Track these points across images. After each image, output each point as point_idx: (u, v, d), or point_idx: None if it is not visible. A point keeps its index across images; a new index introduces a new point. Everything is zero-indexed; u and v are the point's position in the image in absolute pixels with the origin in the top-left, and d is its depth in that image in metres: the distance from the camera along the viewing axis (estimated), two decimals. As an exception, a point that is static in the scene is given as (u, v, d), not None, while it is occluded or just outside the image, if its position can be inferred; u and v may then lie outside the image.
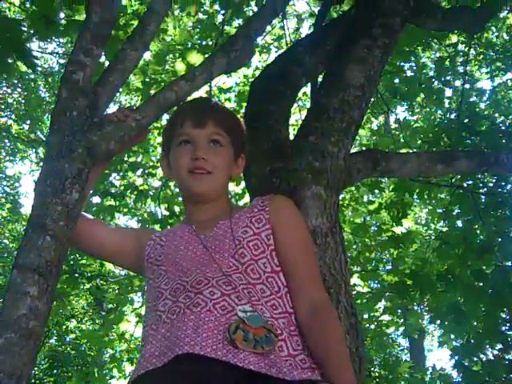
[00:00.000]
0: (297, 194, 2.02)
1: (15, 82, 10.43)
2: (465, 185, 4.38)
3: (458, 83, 6.54)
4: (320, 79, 2.81)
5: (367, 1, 2.64)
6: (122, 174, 6.15)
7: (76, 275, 5.20)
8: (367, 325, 6.31)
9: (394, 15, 2.55)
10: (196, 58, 4.54)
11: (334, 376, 1.34)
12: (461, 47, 6.33)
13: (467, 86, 6.38)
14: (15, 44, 2.53)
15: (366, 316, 6.17)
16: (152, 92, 5.17)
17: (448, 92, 6.71)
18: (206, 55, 4.62)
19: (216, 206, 1.65)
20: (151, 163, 6.44)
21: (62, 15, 3.47)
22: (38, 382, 9.68)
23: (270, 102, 2.57)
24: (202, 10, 5.46)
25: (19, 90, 10.92)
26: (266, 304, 1.42)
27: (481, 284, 4.16)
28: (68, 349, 10.70)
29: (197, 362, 1.29)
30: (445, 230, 5.07)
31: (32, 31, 2.80)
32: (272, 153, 2.32)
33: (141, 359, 1.39)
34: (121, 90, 6.39)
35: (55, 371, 10.22)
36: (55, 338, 10.88)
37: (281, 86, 2.65)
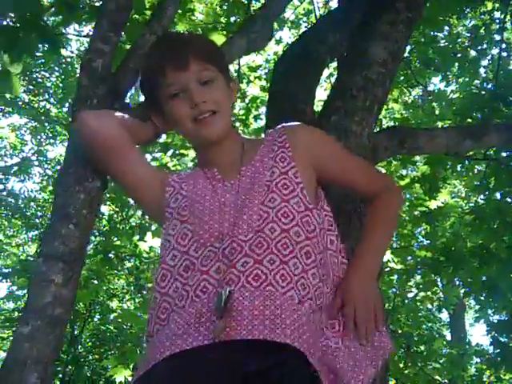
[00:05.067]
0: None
1: (52, 65, 10.52)
2: (501, 156, 4.25)
3: (494, 52, 6.34)
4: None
5: (391, -26, 2.57)
6: (153, 155, 6.19)
7: (110, 256, 5.26)
8: (405, 301, 6.28)
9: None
10: (219, 38, 4.49)
11: (362, 238, 1.58)
12: (496, 14, 6.13)
13: (504, 54, 6.17)
14: (34, 22, 2.49)
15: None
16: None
17: (484, 62, 6.51)
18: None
19: (231, 142, 1.55)
20: (182, 143, 6.44)
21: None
22: (82, 360, 9.90)
23: (294, 82, 2.54)
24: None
25: (57, 73, 11.02)
26: (299, 252, 1.35)
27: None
28: (111, 327, 10.90)
29: (232, 349, 1.21)
30: (480, 203, 4.95)
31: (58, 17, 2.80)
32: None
33: (162, 338, 1.28)
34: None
35: (98, 349, 10.44)
36: (98, 316, 11.08)
37: (304, 65, 2.61)
